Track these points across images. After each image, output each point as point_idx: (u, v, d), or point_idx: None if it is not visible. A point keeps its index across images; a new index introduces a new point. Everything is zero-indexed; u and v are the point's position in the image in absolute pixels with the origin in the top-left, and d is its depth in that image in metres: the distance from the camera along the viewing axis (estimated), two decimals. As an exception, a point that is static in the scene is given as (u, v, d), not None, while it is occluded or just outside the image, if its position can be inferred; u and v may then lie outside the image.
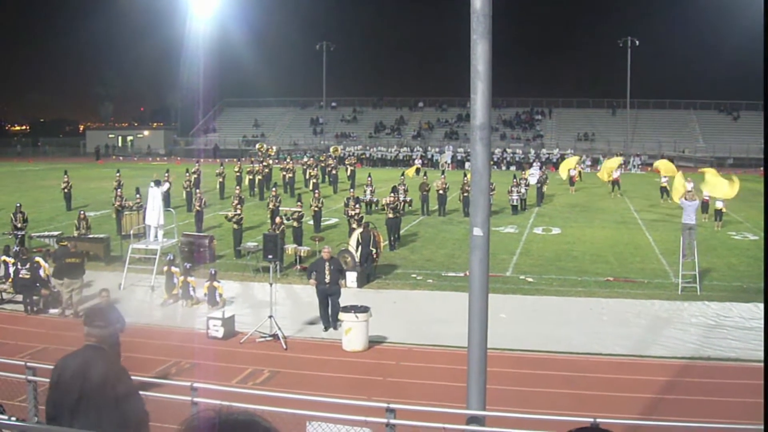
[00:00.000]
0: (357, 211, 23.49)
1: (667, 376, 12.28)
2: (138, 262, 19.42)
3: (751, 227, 27.41)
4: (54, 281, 16.79)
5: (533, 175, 41.06)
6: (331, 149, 51.20)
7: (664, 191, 35.84)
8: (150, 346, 13.98)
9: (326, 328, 15.13)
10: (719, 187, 24.41)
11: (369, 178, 32.18)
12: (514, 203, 31.74)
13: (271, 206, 25.24)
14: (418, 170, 50.91)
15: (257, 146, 55.33)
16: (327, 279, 15.26)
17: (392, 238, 23.76)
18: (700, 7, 67.88)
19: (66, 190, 32.56)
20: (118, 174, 32.70)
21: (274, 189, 27.74)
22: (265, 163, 40.03)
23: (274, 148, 51.64)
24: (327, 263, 15.38)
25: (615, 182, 39.00)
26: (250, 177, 37.68)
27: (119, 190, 28.04)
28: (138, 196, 26.30)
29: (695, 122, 71.23)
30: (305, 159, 43.63)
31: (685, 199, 19.03)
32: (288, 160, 41.14)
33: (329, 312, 15.23)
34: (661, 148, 64.17)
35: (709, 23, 68.95)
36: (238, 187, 30.45)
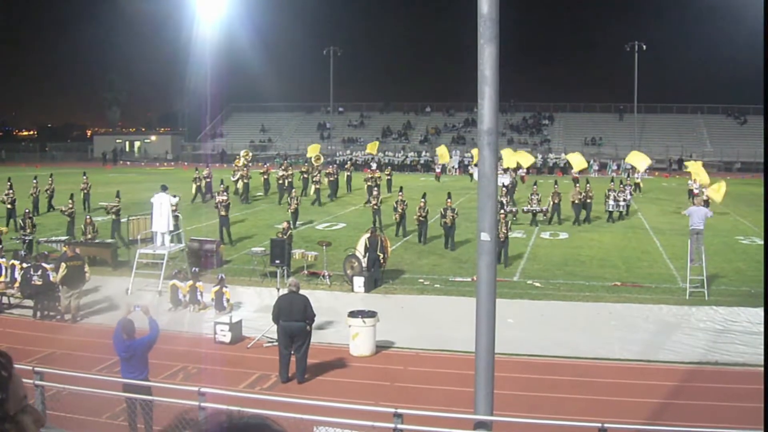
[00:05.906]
0: (225, 197, 24.79)
1: (674, 381, 12.25)
2: (145, 267, 19.46)
3: (759, 232, 27.29)
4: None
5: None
6: (313, 155, 49.75)
7: (691, 194, 35.70)
8: (157, 350, 13.92)
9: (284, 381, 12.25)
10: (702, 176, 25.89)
11: (534, 186, 30.73)
12: (611, 209, 30.65)
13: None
14: (438, 177, 50.96)
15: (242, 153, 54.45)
16: (288, 315, 12.23)
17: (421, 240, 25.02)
18: (707, 12, 67.94)
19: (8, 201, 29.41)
20: (35, 181, 31.37)
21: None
22: (262, 171, 40.23)
23: (251, 154, 49.93)
24: (291, 299, 12.38)
25: (637, 185, 40.21)
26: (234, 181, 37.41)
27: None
28: (71, 201, 25.82)
29: (703, 126, 71.02)
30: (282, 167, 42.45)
31: (693, 204, 19.03)
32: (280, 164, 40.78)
33: (289, 361, 12.35)
34: (668, 152, 64.04)
35: (716, 27, 68.89)
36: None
